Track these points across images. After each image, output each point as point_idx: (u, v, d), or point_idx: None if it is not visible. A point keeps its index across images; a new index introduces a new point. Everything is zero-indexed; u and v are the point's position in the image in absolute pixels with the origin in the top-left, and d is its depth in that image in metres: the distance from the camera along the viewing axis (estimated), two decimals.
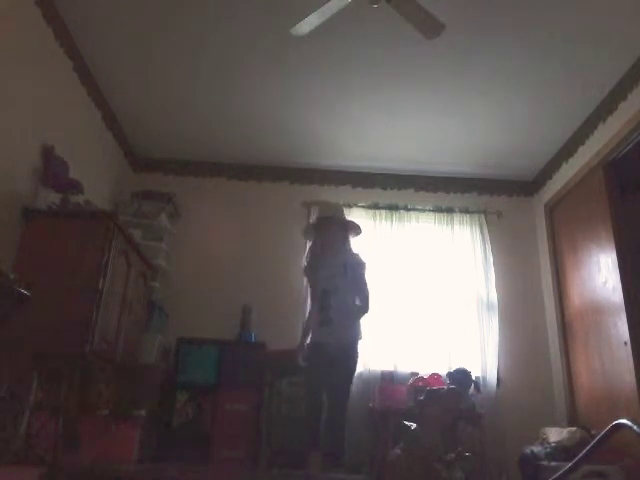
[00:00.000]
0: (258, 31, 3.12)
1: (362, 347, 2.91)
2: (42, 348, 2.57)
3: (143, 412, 3.14)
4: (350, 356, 2.81)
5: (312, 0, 2.53)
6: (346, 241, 3.02)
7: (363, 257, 3.01)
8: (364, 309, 2.83)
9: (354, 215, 4.44)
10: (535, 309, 4.37)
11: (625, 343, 3.20)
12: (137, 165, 4.64)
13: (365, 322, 2.88)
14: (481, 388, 3.84)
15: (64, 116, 3.35)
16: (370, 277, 2.95)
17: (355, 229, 3.07)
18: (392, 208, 4.54)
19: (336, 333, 2.77)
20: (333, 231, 2.99)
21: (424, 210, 4.58)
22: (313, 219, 3.24)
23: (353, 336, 2.83)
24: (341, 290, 2.83)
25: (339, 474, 1.97)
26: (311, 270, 3.05)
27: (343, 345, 2.79)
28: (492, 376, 4.01)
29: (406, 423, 2.93)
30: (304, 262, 3.18)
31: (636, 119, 3.19)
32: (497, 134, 4.06)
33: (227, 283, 4.28)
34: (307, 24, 2.64)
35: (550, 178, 4.40)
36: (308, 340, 2.92)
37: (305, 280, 3.44)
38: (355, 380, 3.93)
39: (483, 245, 4.44)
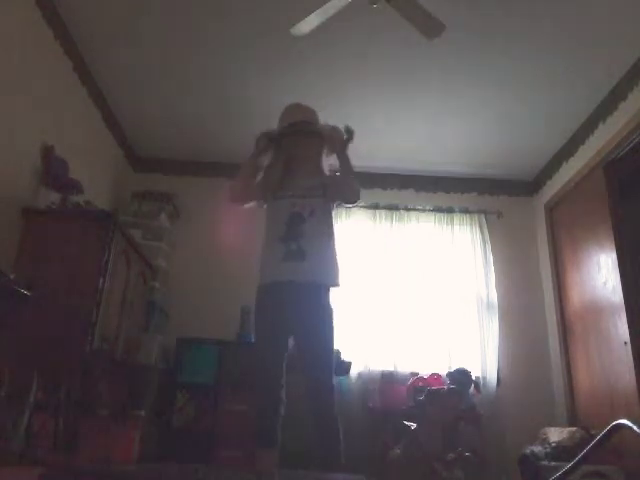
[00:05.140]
0: (258, 31, 3.12)
1: (335, 300, 2.16)
2: (42, 348, 2.57)
3: (143, 412, 3.14)
4: (326, 301, 2.11)
5: (312, 0, 2.53)
6: (322, 159, 2.32)
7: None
8: (354, 193, 2.27)
9: (354, 216, 4.45)
10: (535, 309, 4.37)
11: (625, 343, 3.20)
12: (137, 165, 4.64)
13: (366, 319, 2.15)
14: (481, 388, 3.85)
15: (64, 116, 3.35)
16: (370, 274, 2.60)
17: (334, 139, 2.26)
18: (392, 208, 4.54)
19: (310, 271, 2.06)
20: (305, 144, 2.27)
21: (424, 210, 4.57)
22: (274, 128, 2.30)
23: (332, 278, 2.15)
24: (318, 215, 2.16)
25: (339, 474, 1.95)
26: (270, 189, 2.24)
27: (318, 288, 2.10)
28: (492, 376, 4.01)
29: (406, 423, 2.94)
30: (259, 181, 2.29)
31: (636, 119, 3.19)
32: (497, 134, 4.06)
33: (227, 283, 4.27)
34: (307, 24, 2.64)
35: (550, 178, 4.40)
36: (260, 281, 2.16)
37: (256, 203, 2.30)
38: (355, 380, 3.96)
39: (483, 245, 4.44)
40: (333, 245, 2.22)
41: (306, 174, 2.28)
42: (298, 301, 2.07)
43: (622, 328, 3.24)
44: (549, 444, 3.21)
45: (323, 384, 2.01)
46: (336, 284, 2.16)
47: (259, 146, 2.29)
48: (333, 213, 2.33)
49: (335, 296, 2.19)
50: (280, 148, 2.30)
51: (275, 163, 2.29)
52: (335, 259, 2.20)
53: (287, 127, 2.28)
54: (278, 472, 1.92)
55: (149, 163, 4.65)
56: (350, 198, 2.34)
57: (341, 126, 2.29)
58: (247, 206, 2.30)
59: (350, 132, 2.29)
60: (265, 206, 2.32)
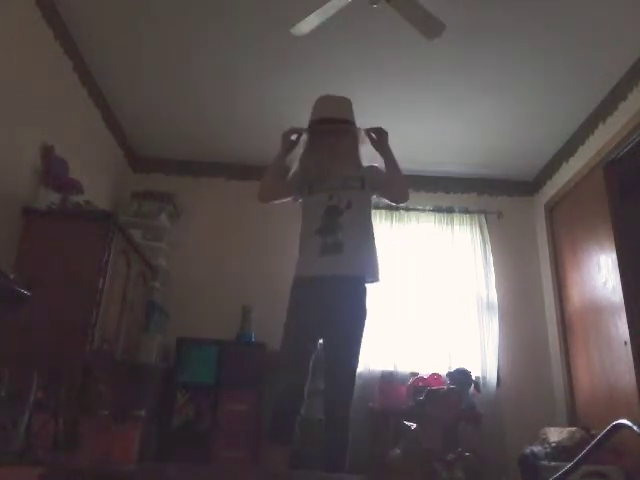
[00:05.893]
0: (258, 31, 3.12)
1: (371, 302, 2.10)
2: (42, 348, 2.57)
3: (143, 412, 3.13)
4: (363, 301, 2.04)
5: (312, 0, 2.53)
6: (357, 151, 2.26)
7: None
8: (403, 193, 2.19)
9: None
10: (535, 309, 4.37)
11: (625, 343, 3.20)
12: (137, 165, 4.64)
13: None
14: (481, 388, 3.84)
15: (64, 116, 3.35)
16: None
17: (369, 136, 2.26)
18: (392, 208, 4.53)
19: (347, 264, 2.00)
20: (339, 139, 2.21)
21: (424, 210, 4.57)
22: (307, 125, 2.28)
23: (370, 271, 2.08)
24: (356, 207, 2.08)
25: (338, 474, 1.95)
26: (307, 183, 2.20)
27: (356, 283, 2.04)
28: (492, 376, 4.01)
29: (406, 423, 2.93)
30: (290, 176, 2.28)
31: (636, 119, 3.19)
32: (497, 134, 4.06)
33: (227, 283, 4.28)
34: (307, 24, 2.64)
35: (550, 178, 4.40)
36: (296, 273, 2.15)
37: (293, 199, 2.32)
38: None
39: (483, 245, 4.44)
40: (372, 238, 2.15)
41: (342, 167, 2.20)
42: (335, 297, 2.02)
43: (622, 328, 3.25)
44: (549, 444, 3.21)
45: (342, 392, 2.03)
46: (375, 279, 2.10)
47: (285, 143, 2.27)
48: (372, 206, 2.26)
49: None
50: (312, 142, 2.24)
51: (306, 159, 2.25)
52: (374, 252, 2.13)
53: (317, 123, 2.22)
54: (288, 471, 1.91)
55: (149, 163, 4.65)
56: (399, 198, 2.29)
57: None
58: (278, 202, 2.32)
59: (380, 133, 2.29)
60: (300, 201, 2.28)
